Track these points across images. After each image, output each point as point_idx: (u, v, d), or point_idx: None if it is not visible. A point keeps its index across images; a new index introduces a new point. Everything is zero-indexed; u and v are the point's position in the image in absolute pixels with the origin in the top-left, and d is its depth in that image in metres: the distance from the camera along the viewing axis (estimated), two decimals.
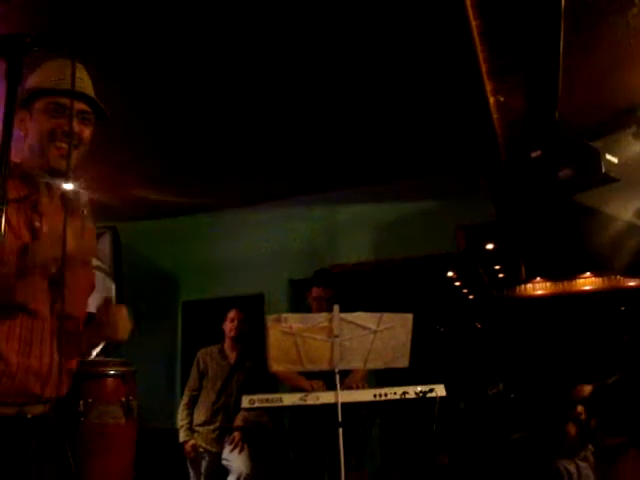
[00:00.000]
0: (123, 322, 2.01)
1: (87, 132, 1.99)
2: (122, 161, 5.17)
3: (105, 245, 5.96)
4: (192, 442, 4.81)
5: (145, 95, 4.24)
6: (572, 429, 4.31)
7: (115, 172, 5.28)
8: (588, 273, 12.14)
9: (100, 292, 6.69)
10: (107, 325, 1.97)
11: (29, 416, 1.82)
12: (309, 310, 4.47)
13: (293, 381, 4.12)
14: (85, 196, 2.17)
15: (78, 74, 1.89)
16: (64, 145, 1.88)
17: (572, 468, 4.09)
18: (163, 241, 6.81)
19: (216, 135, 4.95)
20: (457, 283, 9.84)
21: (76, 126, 1.92)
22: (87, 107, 1.99)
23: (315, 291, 4.44)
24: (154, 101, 4.33)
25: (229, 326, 4.98)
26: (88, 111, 1.99)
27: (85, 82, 2.01)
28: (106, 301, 2.01)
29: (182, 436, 4.87)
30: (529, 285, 12.75)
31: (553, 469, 4.16)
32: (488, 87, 4.08)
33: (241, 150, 5.24)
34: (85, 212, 2.12)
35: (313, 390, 3.76)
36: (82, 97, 1.96)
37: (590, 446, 4.02)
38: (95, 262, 6.44)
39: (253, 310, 5.37)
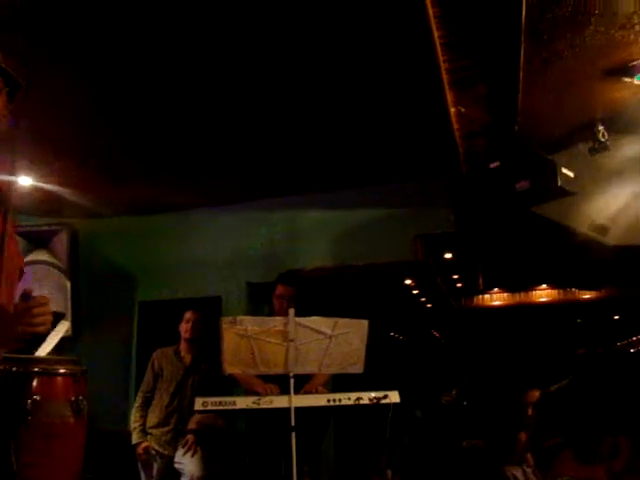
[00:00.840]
0: (41, 317, 1.89)
1: None
2: (81, 157, 5.10)
3: (62, 242, 5.87)
4: (145, 444, 4.75)
5: (110, 92, 4.18)
6: (523, 436, 4.39)
7: (74, 168, 5.20)
8: (544, 285, 12.42)
9: (56, 290, 6.57)
10: (22, 320, 1.86)
11: None
12: (270, 311, 4.50)
13: (249, 384, 4.11)
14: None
15: None
16: None
17: (519, 474, 4.17)
18: (121, 240, 6.72)
19: (179, 136, 4.91)
20: (415, 291, 9.95)
21: None
22: None
23: (279, 289, 4.47)
24: (118, 98, 4.29)
25: (185, 327, 4.94)
26: None
27: None
28: (24, 295, 1.90)
29: (135, 438, 4.80)
30: (487, 295, 13.00)
31: (501, 476, 4.22)
32: (449, 98, 4.14)
33: (203, 152, 5.21)
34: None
35: (267, 394, 3.75)
36: None
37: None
38: (51, 260, 6.30)
39: (210, 312, 5.33)
